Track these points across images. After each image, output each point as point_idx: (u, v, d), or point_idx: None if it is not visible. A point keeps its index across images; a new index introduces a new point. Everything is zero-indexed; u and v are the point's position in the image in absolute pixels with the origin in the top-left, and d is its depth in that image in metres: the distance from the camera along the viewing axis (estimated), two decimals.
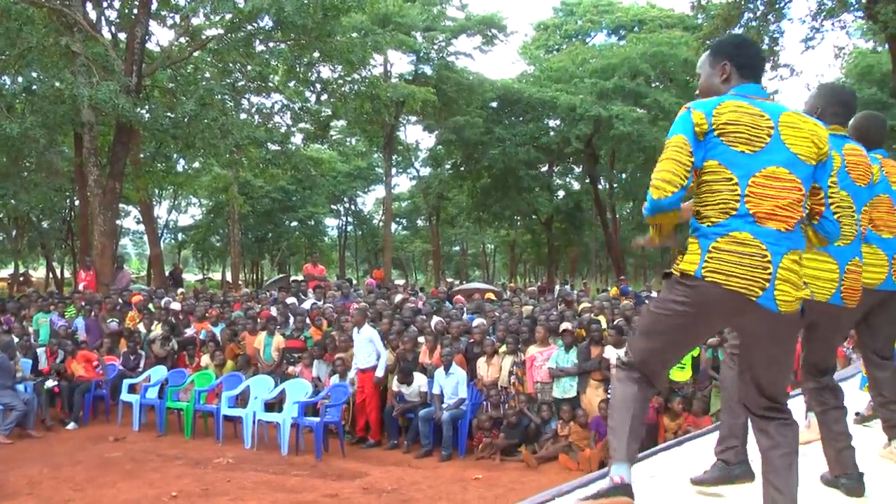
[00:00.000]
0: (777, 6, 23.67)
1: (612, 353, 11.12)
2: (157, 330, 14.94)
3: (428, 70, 34.59)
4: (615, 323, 12.64)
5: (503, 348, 12.25)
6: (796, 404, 4.50)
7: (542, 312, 14.13)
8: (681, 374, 11.22)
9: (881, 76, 33.49)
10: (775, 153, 3.13)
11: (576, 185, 44.29)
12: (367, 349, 12.56)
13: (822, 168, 3.29)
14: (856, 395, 5.95)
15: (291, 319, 15.02)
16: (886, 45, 23.98)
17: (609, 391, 11.09)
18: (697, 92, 3.46)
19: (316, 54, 24.30)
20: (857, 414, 5.79)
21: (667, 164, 3.10)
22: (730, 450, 3.96)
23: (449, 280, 33.47)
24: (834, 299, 3.94)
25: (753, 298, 3.03)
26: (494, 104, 36.89)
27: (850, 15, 24.17)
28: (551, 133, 36.58)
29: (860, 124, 4.73)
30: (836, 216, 3.41)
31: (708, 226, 3.10)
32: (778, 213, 3.08)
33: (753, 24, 23.55)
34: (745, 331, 3.25)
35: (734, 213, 3.06)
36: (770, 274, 3.03)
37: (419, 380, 12.24)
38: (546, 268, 47.63)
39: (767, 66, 26.75)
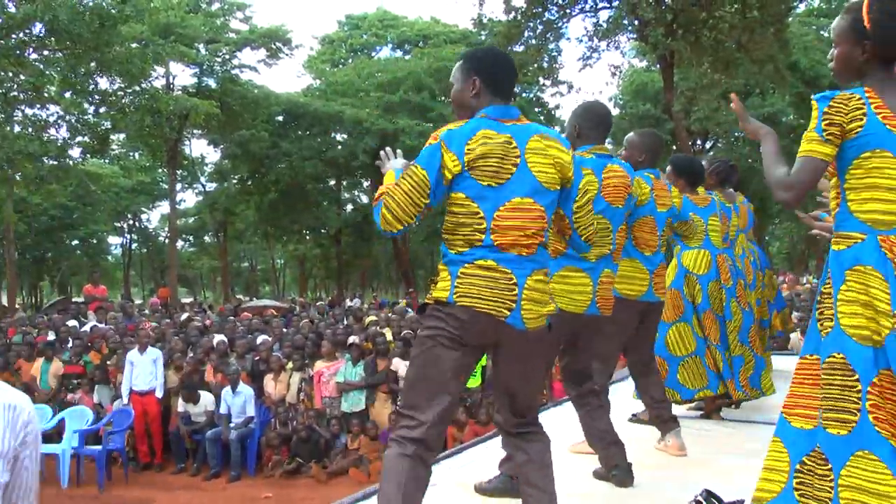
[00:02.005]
0: (555, 26, 24.53)
1: (399, 365, 11.26)
2: None
3: (212, 83, 33.85)
4: (402, 335, 12.81)
5: (290, 364, 12.20)
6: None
7: (329, 327, 14.15)
8: (472, 381, 11.46)
9: (654, 93, 35.27)
10: (520, 184, 3.18)
11: (364, 199, 44.40)
12: (150, 370, 12.21)
13: (567, 195, 3.38)
14: (630, 401, 6.28)
15: (70, 343, 14.41)
16: (658, 65, 25.36)
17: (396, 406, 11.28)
18: (451, 99, 3.46)
19: (93, 64, 23.47)
20: (633, 415, 6.13)
21: (403, 199, 3.12)
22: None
23: (238, 297, 32.93)
24: (590, 310, 4.16)
25: (502, 319, 3.12)
26: (280, 118, 36.52)
27: (625, 36, 25.37)
28: (338, 147, 36.52)
29: (655, 146, 5.15)
30: (588, 236, 3.58)
31: (455, 253, 3.15)
32: (520, 242, 3.16)
33: (533, 42, 24.30)
34: (497, 351, 3.30)
35: (480, 244, 3.12)
36: (516, 295, 3.12)
37: (205, 398, 12.02)
38: (336, 282, 47.59)
39: (548, 82, 27.79)
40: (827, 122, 2.58)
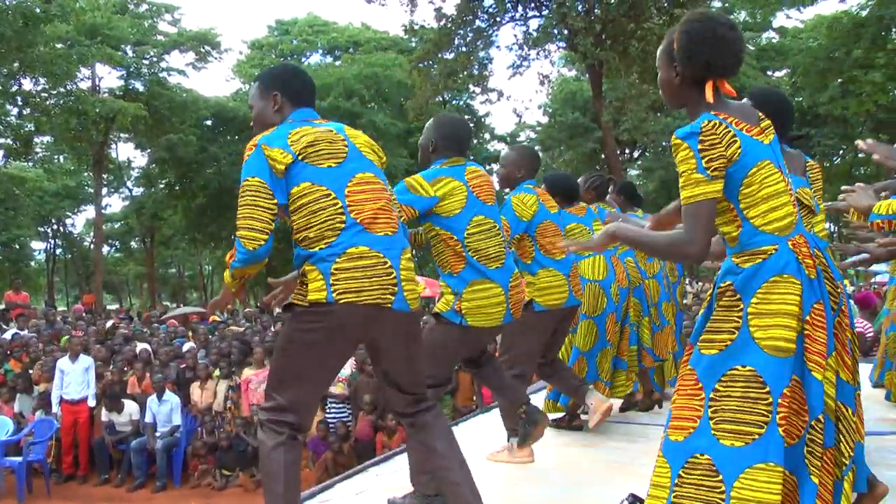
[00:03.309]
0: (486, 34, 24.68)
1: None
2: None
3: (139, 86, 33.30)
4: None
5: (217, 372, 12.03)
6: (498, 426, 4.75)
7: (257, 334, 14.00)
8: None
9: (583, 102, 35.64)
10: (357, 161, 3.29)
11: None
12: (82, 378, 11.94)
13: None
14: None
15: None
16: (587, 74, 25.63)
17: (326, 412, 11.19)
18: (252, 123, 3.48)
19: (16, 65, 23.00)
20: (553, 421, 6.15)
21: (252, 212, 3.13)
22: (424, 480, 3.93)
23: (164, 304, 32.47)
24: (506, 319, 4.18)
25: (389, 306, 3.13)
26: (209, 122, 36.18)
27: (554, 45, 25.59)
28: None
29: (532, 159, 5.25)
30: (481, 239, 3.83)
31: (321, 248, 3.11)
32: (380, 217, 3.21)
33: (463, 49, 24.40)
34: (380, 339, 3.31)
35: (343, 225, 3.12)
36: (395, 278, 3.15)
37: (130, 407, 11.79)
38: (265, 288, 47.13)
39: (478, 89, 27.92)
40: (707, 158, 2.56)
